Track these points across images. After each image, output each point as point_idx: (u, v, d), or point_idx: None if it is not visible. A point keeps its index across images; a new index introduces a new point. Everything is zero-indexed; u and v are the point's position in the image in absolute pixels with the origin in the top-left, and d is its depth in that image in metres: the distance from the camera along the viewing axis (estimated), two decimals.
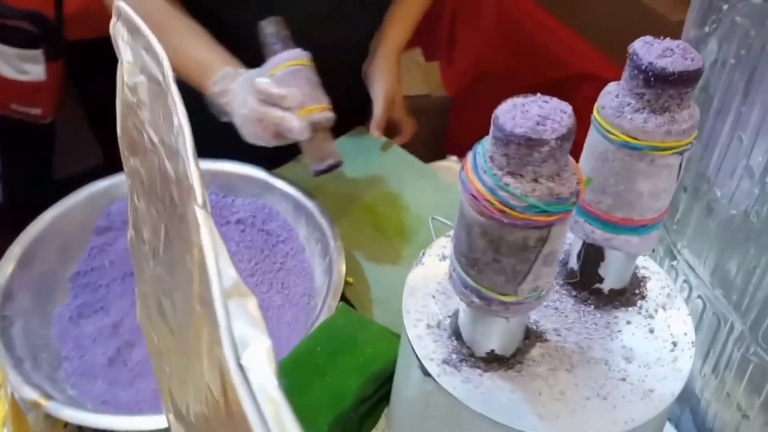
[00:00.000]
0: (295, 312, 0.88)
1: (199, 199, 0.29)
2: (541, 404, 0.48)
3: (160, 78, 0.38)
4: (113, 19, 0.43)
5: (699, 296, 0.63)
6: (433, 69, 1.76)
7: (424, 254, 0.58)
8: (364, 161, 1.06)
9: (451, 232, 0.61)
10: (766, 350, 0.55)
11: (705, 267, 0.61)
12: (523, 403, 0.48)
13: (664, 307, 0.55)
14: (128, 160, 0.49)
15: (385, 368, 0.69)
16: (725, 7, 0.53)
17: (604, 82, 1.52)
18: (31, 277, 0.87)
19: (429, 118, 1.73)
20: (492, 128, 0.40)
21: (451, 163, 1.11)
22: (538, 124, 0.39)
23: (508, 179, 0.40)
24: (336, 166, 0.92)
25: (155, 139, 0.41)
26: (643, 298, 0.55)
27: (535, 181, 0.40)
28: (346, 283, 0.86)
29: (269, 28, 0.91)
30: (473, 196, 0.41)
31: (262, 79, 0.85)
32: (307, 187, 0.97)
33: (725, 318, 0.60)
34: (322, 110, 0.89)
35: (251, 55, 0.91)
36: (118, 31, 0.43)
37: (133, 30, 0.41)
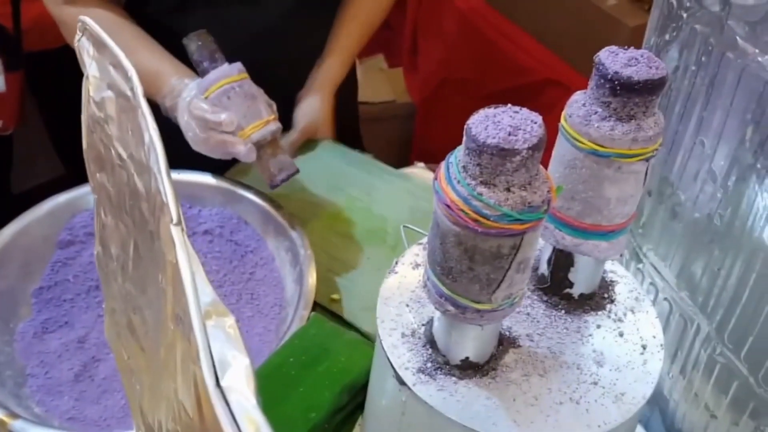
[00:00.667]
0: (266, 323, 0.87)
1: (174, 218, 0.28)
2: (516, 410, 0.49)
3: (129, 93, 0.38)
4: (77, 34, 0.42)
5: (665, 298, 0.64)
6: (398, 75, 1.77)
7: (397, 263, 0.58)
8: (331, 168, 1.06)
9: (424, 240, 0.61)
10: (732, 351, 0.57)
11: (671, 269, 0.63)
12: (499, 409, 0.49)
13: (632, 311, 0.55)
14: (94, 175, 0.48)
15: (358, 378, 0.69)
16: (685, 15, 0.54)
17: (566, 88, 1.54)
18: None
19: (395, 124, 1.74)
20: (465, 139, 0.41)
21: (419, 169, 1.12)
22: (509, 134, 0.39)
23: (482, 189, 0.40)
24: (292, 175, 0.92)
25: (124, 155, 0.40)
26: (612, 301, 0.56)
27: (508, 190, 0.40)
28: (332, 300, 0.86)
29: (192, 45, 0.89)
30: (447, 205, 0.42)
31: (199, 103, 0.85)
32: (275, 196, 0.97)
33: (691, 319, 0.61)
34: (265, 125, 0.87)
35: None
36: (83, 46, 0.42)
37: (98, 45, 0.40)
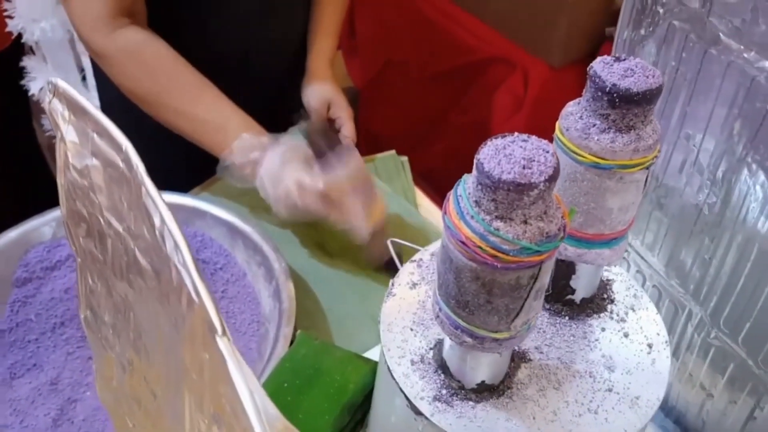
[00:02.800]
0: (246, 341, 0.84)
1: (219, 328, 0.26)
2: (537, 428, 0.48)
3: (121, 164, 0.35)
4: (48, 95, 0.39)
5: (654, 285, 0.65)
6: (338, 61, 1.73)
7: (393, 284, 0.57)
8: None
9: (417, 257, 0.60)
10: (729, 335, 0.58)
11: (659, 259, 0.63)
12: (520, 430, 0.48)
13: (633, 308, 0.56)
14: (77, 238, 0.44)
15: (356, 395, 0.68)
16: (662, 11, 0.54)
17: (511, 65, 1.53)
18: None
19: None
20: (476, 174, 0.39)
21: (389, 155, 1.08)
22: (524, 167, 0.38)
23: (498, 224, 0.39)
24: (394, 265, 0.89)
25: (118, 227, 0.37)
26: (612, 301, 0.56)
27: (525, 222, 0.39)
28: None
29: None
30: (462, 242, 0.40)
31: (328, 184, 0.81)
32: (241, 207, 0.94)
33: (683, 305, 0.62)
34: (382, 214, 0.85)
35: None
36: (55, 109, 0.39)
37: (75, 109, 0.37)
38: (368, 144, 1.69)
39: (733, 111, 0.51)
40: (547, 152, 0.39)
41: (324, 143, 0.88)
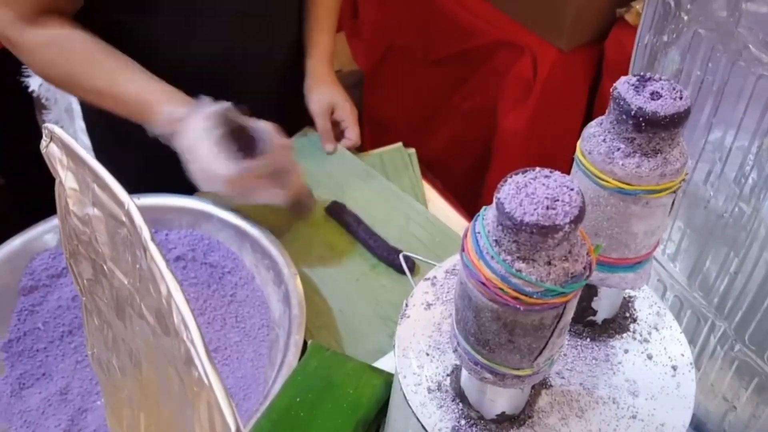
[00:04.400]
0: (256, 346, 0.83)
1: (232, 426, 0.24)
2: None
3: (124, 219, 0.33)
4: (44, 140, 0.37)
5: (675, 296, 0.63)
6: (341, 42, 1.69)
7: (407, 305, 0.55)
8: (305, 170, 1.01)
9: (431, 275, 0.58)
10: (755, 351, 0.56)
11: (681, 269, 0.61)
12: None
13: (656, 328, 0.54)
14: (81, 279, 0.43)
15: (369, 410, 0.67)
16: (686, 18, 0.51)
17: (518, 49, 1.49)
18: None
19: None
20: (497, 214, 0.37)
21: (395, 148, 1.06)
22: (548, 208, 0.36)
23: (520, 265, 0.37)
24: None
25: (123, 279, 0.36)
26: (634, 320, 0.54)
27: (549, 263, 0.37)
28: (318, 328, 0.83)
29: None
30: (483, 283, 0.38)
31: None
32: (246, 209, 0.92)
33: (705, 317, 0.61)
34: (299, 187, 0.86)
35: (172, 70, 0.85)
36: (53, 154, 0.37)
37: (73, 157, 0.35)
38: (373, 129, 1.66)
39: (763, 125, 0.48)
40: (572, 190, 0.37)
41: (244, 125, 0.85)
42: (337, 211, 0.94)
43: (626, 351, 0.53)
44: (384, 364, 0.74)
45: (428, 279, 0.57)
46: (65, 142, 0.35)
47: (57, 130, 0.35)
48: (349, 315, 0.85)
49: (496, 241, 0.38)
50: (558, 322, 0.40)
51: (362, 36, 1.58)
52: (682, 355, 0.52)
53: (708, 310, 0.60)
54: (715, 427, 0.65)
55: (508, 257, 0.38)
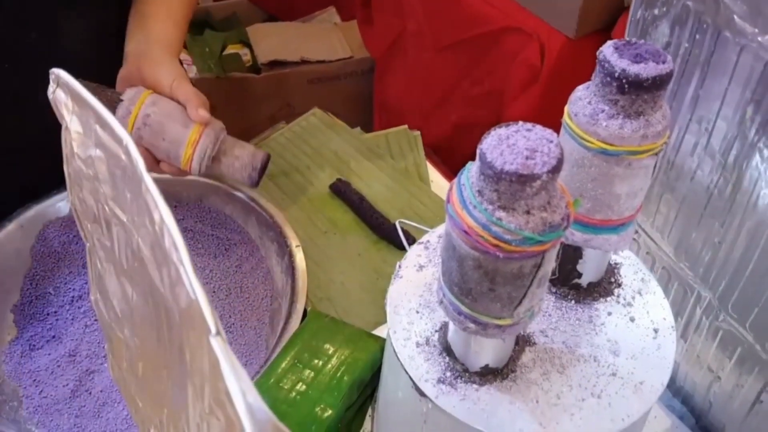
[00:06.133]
0: (259, 315, 0.86)
1: (213, 328, 0.27)
2: (540, 412, 0.49)
3: (123, 157, 0.35)
4: (51, 86, 0.39)
5: (663, 267, 0.65)
6: (353, 29, 1.71)
7: (400, 266, 0.57)
8: (311, 147, 1.03)
9: (425, 239, 0.60)
10: (737, 320, 0.58)
11: (668, 241, 0.63)
12: (523, 413, 0.49)
13: (640, 293, 0.56)
14: (85, 225, 0.45)
15: (365, 372, 0.69)
16: None
17: (526, 35, 1.50)
18: None
19: (354, 81, 1.70)
20: (479, 164, 0.39)
21: (401, 130, 1.08)
22: (527, 158, 0.38)
23: (501, 213, 0.39)
24: (266, 163, 0.84)
25: (123, 217, 0.38)
26: (619, 285, 0.56)
27: (528, 213, 0.39)
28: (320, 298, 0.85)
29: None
30: (465, 231, 0.40)
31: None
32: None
33: (692, 288, 0.62)
34: (198, 140, 0.76)
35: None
36: (59, 99, 0.39)
37: (78, 100, 0.37)
38: (382, 114, 1.68)
39: (746, 95, 0.50)
40: (551, 142, 0.39)
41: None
42: (341, 189, 0.96)
43: (609, 313, 0.54)
44: (381, 332, 0.77)
45: (422, 243, 0.59)
46: (70, 85, 0.37)
47: (62, 74, 0.37)
48: (350, 288, 0.88)
49: (478, 191, 0.40)
50: (537, 272, 0.42)
51: (373, 23, 1.60)
52: (664, 319, 0.54)
53: (694, 281, 0.61)
54: (701, 399, 0.67)
55: (490, 206, 0.39)
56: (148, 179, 0.32)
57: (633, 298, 0.55)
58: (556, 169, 0.38)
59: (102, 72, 0.82)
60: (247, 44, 1.68)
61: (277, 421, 0.24)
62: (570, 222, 0.41)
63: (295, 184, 0.99)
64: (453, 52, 1.46)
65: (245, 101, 1.56)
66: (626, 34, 0.60)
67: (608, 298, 0.55)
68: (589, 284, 0.55)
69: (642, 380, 0.51)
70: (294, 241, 0.85)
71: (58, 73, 0.38)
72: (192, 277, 0.28)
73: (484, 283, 0.42)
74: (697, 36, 0.52)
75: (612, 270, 0.57)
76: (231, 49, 1.66)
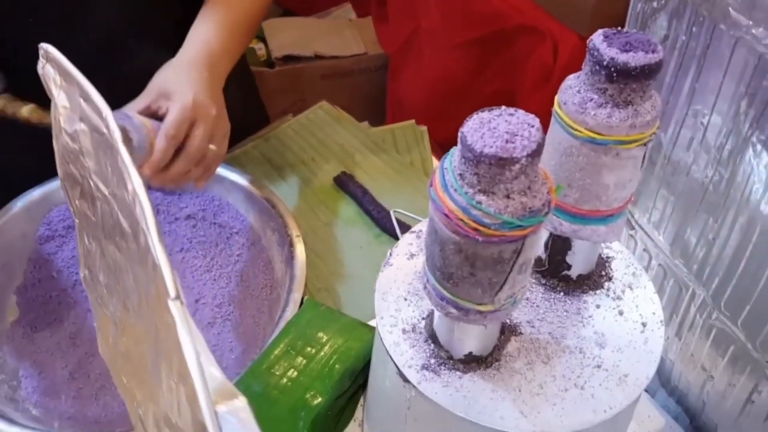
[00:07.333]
0: (258, 304, 0.86)
1: (172, 292, 0.27)
2: (522, 400, 0.49)
3: (104, 130, 0.36)
4: (41, 61, 0.40)
5: (659, 264, 0.64)
6: (368, 26, 1.71)
7: (391, 254, 0.57)
8: (317, 140, 1.04)
9: (417, 228, 0.60)
10: (729, 318, 0.57)
11: (664, 237, 0.62)
12: (505, 401, 0.49)
13: (630, 287, 0.55)
14: (74, 200, 0.46)
15: (357, 361, 0.69)
16: None
17: (541, 34, 1.49)
18: None
19: (367, 77, 1.70)
20: (460, 147, 0.39)
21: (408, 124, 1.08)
22: (507, 141, 0.38)
23: (481, 197, 0.39)
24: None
25: (105, 191, 0.38)
26: (609, 279, 0.56)
27: (508, 197, 0.39)
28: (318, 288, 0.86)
29: None
30: (446, 215, 0.40)
31: None
32: (257, 174, 0.95)
33: (686, 285, 0.62)
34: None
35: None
36: (48, 74, 0.39)
37: (65, 74, 0.38)
38: (394, 110, 1.68)
39: (740, 89, 0.49)
40: (532, 126, 0.39)
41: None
42: (345, 182, 0.96)
43: (598, 306, 0.54)
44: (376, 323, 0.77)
45: (414, 232, 0.59)
46: (58, 60, 0.38)
47: (51, 49, 0.38)
48: (349, 279, 0.88)
49: (460, 174, 0.40)
50: (517, 258, 0.41)
51: (388, 20, 1.61)
52: (653, 314, 0.54)
53: (688, 278, 0.61)
54: (695, 399, 0.66)
55: (470, 190, 0.39)
56: (122, 150, 0.32)
57: (623, 291, 0.55)
58: (535, 153, 0.38)
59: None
60: (263, 39, 1.69)
61: (232, 385, 0.24)
62: (551, 208, 0.41)
63: (299, 176, 0.99)
64: (466, 49, 1.46)
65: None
66: (626, 26, 0.60)
67: (598, 291, 0.55)
68: (579, 276, 0.55)
69: (627, 373, 0.50)
70: (295, 231, 0.86)
71: (46, 48, 0.39)
72: (156, 242, 0.29)
73: (464, 268, 0.42)
74: (694, 29, 0.52)
75: (603, 263, 0.57)
76: None
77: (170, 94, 0.73)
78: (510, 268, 0.42)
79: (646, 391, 0.74)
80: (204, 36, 0.79)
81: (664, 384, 0.72)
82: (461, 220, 0.40)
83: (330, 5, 1.82)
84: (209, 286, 0.88)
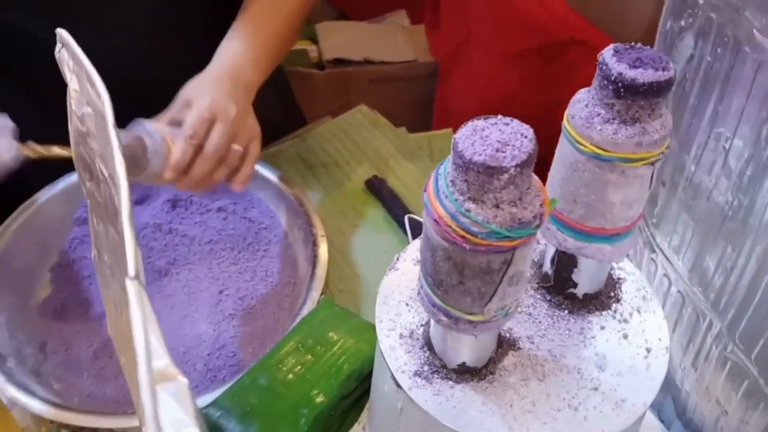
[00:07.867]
0: (280, 300, 0.87)
1: (131, 271, 0.28)
2: (512, 416, 0.48)
3: (102, 110, 0.37)
4: (58, 45, 0.41)
5: (678, 291, 0.63)
6: (420, 33, 1.72)
7: (398, 259, 0.57)
8: (353, 142, 1.04)
9: None
10: (743, 351, 0.55)
11: (684, 263, 0.61)
12: (494, 416, 0.48)
13: (639, 311, 0.54)
14: (85, 182, 0.47)
15: (365, 365, 0.69)
16: (701, 1, 0.51)
17: (591, 49, 1.48)
18: (11, 272, 0.86)
19: (416, 84, 1.70)
20: (452, 153, 0.39)
21: (445, 132, 1.08)
22: (497, 150, 0.37)
23: (470, 205, 0.39)
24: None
25: (105, 173, 0.40)
26: (618, 301, 0.54)
27: (497, 207, 0.39)
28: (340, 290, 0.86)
29: None
30: (435, 221, 0.40)
31: None
32: (290, 173, 0.96)
33: (704, 314, 0.60)
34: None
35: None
36: (63, 58, 0.41)
37: (76, 59, 0.39)
38: (441, 118, 1.68)
39: (762, 113, 0.47)
40: (525, 137, 0.38)
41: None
42: (376, 185, 0.97)
43: (602, 327, 0.53)
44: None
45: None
46: (70, 45, 0.39)
47: (65, 34, 0.40)
48: (371, 283, 0.88)
49: (452, 181, 0.40)
50: (507, 269, 0.41)
51: (441, 26, 1.61)
52: (659, 340, 0.52)
53: (705, 307, 0.59)
54: None
55: (460, 197, 0.39)
56: (112, 133, 0.33)
57: (630, 315, 0.54)
58: (525, 164, 0.38)
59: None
60: (316, 41, 1.71)
61: (174, 367, 0.25)
62: (543, 221, 0.40)
63: (332, 177, 1.00)
64: (517, 60, 1.45)
65: (306, 96, 1.59)
66: (655, 45, 0.59)
67: (604, 312, 0.54)
68: (585, 295, 0.54)
69: (624, 398, 0.49)
70: (320, 231, 0.86)
71: (62, 33, 0.40)
72: (125, 218, 0.29)
73: (453, 275, 0.42)
74: (719, 50, 0.50)
75: (613, 284, 0.55)
76: (300, 45, 1.69)
77: (190, 102, 0.74)
78: (500, 279, 0.41)
79: (661, 421, 0.72)
80: (231, 51, 0.80)
81: (680, 415, 0.69)
82: (449, 226, 0.39)
83: (385, 11, 1.83)
84: (234, 279, 0.90)
